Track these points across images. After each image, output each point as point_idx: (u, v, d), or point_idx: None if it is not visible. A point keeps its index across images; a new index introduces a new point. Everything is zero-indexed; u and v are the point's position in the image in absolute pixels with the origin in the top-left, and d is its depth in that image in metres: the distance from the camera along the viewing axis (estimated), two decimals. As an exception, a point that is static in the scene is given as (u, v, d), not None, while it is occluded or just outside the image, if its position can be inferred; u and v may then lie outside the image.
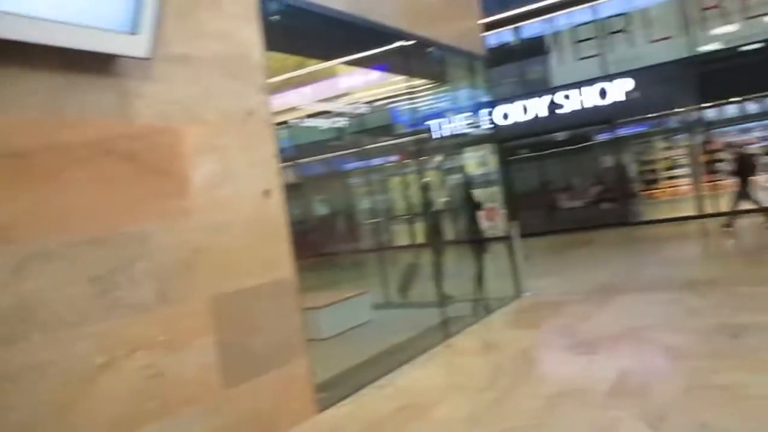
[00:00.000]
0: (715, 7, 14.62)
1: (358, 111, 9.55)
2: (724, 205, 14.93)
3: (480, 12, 8.67)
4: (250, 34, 4.59)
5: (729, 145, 13.35)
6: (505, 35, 17.77)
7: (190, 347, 3.85)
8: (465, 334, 6.90)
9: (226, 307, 4.11)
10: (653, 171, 16.66)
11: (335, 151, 13.06)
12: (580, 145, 16.75)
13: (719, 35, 14.83)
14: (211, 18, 4.28)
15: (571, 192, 17.19)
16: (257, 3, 4.65)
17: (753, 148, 14.67)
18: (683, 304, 6.80)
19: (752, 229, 12.05)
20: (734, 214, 12.26)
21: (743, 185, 12.10)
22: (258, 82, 4.60)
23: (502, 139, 17.32)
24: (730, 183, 12.61)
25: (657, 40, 15.30)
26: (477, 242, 8.08)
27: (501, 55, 17.96)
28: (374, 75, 9.76)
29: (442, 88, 9.78)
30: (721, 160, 15.76)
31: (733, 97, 15.18)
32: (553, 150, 17.22)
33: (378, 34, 6.52)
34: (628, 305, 7.18)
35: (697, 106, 15.06)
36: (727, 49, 14.73)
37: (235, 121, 4.37)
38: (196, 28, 4.16)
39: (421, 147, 9.95)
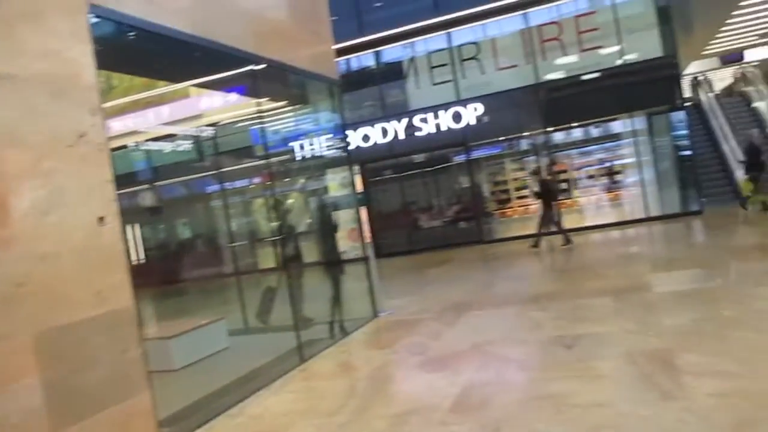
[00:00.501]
0: (554, 39, 15.79)
1: (206, 133, 9.27)
2: (569, 222, 16.11)
3: (332, 37, 8.77)
4: (81, 54, 4.34)
5: (534, 172, 14.42)
6: (365, 59, 18.17)
7: (12, 390, 3.55)
8: (321, 357, 6.89)
9: (53, 343, 3.83)
10: (505, 191, 17.62)
11: (194, 174, 12.62)
12: (438, 167, 17.39)
13: (560, 65, 16.02)
14: (36, 36, 4.01)
15: (430, 212, 17.77)
16: (88, 21, 4.43)
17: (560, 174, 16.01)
18: (526, 317, 7.21)
19: (559, 250, 13.08)
20: (540, 235, 13.49)
21: (547, 208, 13.30)
22: (90, 104, 4.35)
23: (364, 161, 17.72)
24: (536, 206, 13.93)
25: (504, 68, 16.27)
26: (333, 264, 8.10)
27: (361, 79, 18.36)
28: (233, 97, 9.57)
29: (301, 111, 9.79)
30: (565, 180, 16.99)
31: (575, 122, 16.40)
32: (413, 171, 17.74)
33: (226, 56, 6.42)
34: (477, 321, 7.49)
35: (543, 130, 16.14)
36: (568, 77, 15.94)
37: (63, 144, 4.10)
38: (17, 47, 3.88)
39: (282, 169, 9.91)
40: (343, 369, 6.34)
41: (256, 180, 11.80)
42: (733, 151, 18.55)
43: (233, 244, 10.93)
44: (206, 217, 13.39)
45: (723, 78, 30.19)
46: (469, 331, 6.99)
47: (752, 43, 27.35)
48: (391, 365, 6.25)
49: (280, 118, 9.49)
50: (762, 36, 25.75)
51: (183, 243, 14.31)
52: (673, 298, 6.94)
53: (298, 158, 9.88)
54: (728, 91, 27.37)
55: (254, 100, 7.73)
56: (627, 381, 4.57)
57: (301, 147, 9.80)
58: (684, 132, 15.72)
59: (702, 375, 4.41)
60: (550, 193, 13.39)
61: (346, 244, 9.59)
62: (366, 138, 17.42)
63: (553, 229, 13.45)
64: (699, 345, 5.12)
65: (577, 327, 6.32)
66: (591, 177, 16.84)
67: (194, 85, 8.31)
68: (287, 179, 10.44)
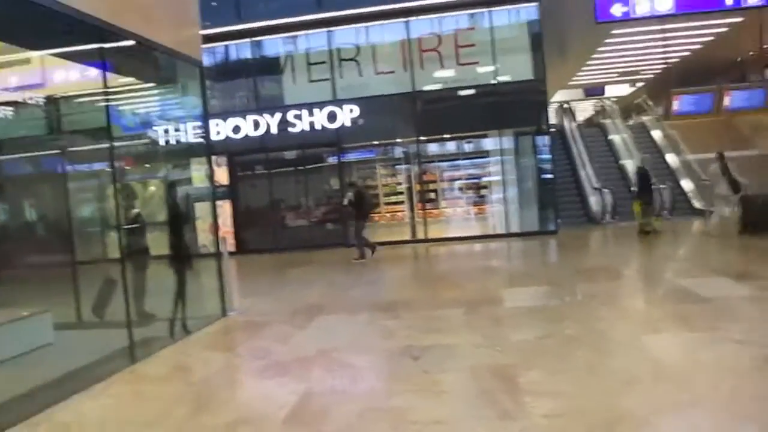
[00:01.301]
0: (433, 50, 15.97)
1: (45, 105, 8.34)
2: (434, 231, 16.34)
3: (198, 17, 8.22)
4: None
5: (350, 183, 14.67)
6: (243, 49, 17.47)
7: None
8: (156, 357, 6.35)
9: None
10: (374, 196, 17.56)
11: (31, 150, 11.36)
12: (309, 166, 17.02)
13: (437, 77, 16.20)
14: None
15: (298, 211, 17.35)
16: None
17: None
18: (378, 324, 7.04)
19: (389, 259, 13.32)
20: (365, 245, 13.54)
21: (360, 220, 13.57)
22: None
23: (232, 153, 17.02)
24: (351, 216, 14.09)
25: (382, 73, 16.24)
26: (179, 258, 7.50)
27: (237, 68, 17.65)
28: (84, 70, 8.68)
29: (158, 92, 9.09)
30: (433, 190, 17.21)
31: (447, 134, 16.66)
32: (283, 169, 17.27)
33: (75, 22, 5.75)
34: (329, 326, 7.24)
35: (416, 139, 16.26)
36: (444, 89, 16.16)
37: None
38: None
39: (133, 152, 9.14)
40: (177, 372, 5.83)
41: (103, 162, 10.81)
42: (589, 177, 19.68)
43: (72, 231, 9.93)
44: (44, 199, 12.16)
45: (585, 109, 32.20)
46: (318, 336, 6.71)
47: (613, 79, 29.43)
48: (230, 369, 5.84)
49: (133, 98, 8.75)
50: (621, 74, 27.76)
51: (17, 226, 12.89)
52: (522, 314, 7.03)
53: (152, 143, 9.14)
54: (589, 121, 29.18)
55: (106, 75, 7.03)
56: (468, 397, 4.47)
57: (156, 131, 9.08)
58: (547, 155, 16.42)
59: (541, 394, 4.39)
60: (364, 204, 13.64)
61: (206, 238, 9.06)
62: (236, 129, 16.73)
63: (354, 241, 13.72)
64: (541, 362, 5.15)
65: (428, 338, 6.22)
66: (458, 189, 17.18)
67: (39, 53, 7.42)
68: (139, 164, 9.65)
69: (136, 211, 8.12)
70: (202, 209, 9.12)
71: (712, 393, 4.24)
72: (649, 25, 17.36)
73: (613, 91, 35.68)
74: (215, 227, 8.77)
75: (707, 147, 17.68)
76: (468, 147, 17.07)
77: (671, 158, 21.42)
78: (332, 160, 16.79)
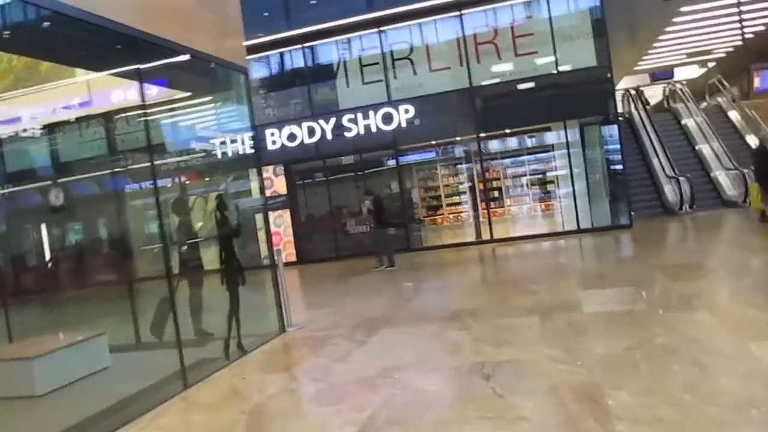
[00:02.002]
0: (489, 42, 15.31)
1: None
2: (499, 231, 15.65)
3: (240, 20, 7.89)
4: None
5: (368, 192, 13.91)
6: (295, 56, 17.25)
7: None
8: (209, 381, 5.99)
9: None
10: (436, 197, 17.02)
11: (95, 171, 11.36)
12: (367, 170, 16.62)
13: (495, 70, 15.53)
14: None
15: (358, 217, 16.95)
16: None
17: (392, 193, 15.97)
18: (445, 337, 6.50)
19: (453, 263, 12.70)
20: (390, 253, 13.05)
21: (381, 228, 13.24)
22: None
23: (289, 161, 16.79)
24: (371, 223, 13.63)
25: (437, 70, 15.68)
26: (232, 273, 7.14)
27: (290, 76, 17.45)
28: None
29: (202, 103, 8.82)
30: (497, 188, 16.54)
31: (508, 129, 15.96)
32: (341, 174, 16.92)
33: (107, 32, 5.47)
34: (391, 340, 6.74)
35: (476, 136, 15.63)
36: (502, 83, 15.48)
37: None
38: None
39: (179, 167, 8.91)
40: (229, 398, 5.43)
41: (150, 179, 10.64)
42: (662, 165, 18.56)
43: (129, 249, 9.79)
44: (100, 218, 12.13)
45: (653, 95, 30.67)
46: (381, 353, 6.21)
47: (681, 61, 27.89)
48: (285, 395, 5.40)
49: (177, 111, 8.50)
50: (690, 55, 26.24)
51: (74, 247, 12.93)
52: (603, 321, 6.35)
53: (198, 156, 8.88)
54: (658, 107, 27.71)
55: (148, 89, 6.77)
56: (551, 426, 3.87)
57: (204, 144, 8.81)
58: (616, 145, 15.49)
59: (636, 421, 3.74)
60: (383, 212, 13.23)
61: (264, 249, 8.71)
62: (292, 137, 16.51)
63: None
64: (631, 380, 4.49)
65: (499, 352, 5.64)
66: (523, 186, 16.43)
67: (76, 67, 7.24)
68: (187, 179, 9.42)
69: (190, 225, 7.89)
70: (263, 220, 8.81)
71: None
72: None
73: (682, 73, 34.00)
74: (270, 238, 8.41)
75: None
76: (531, 141, 16.30)
77: (752, 140, 20.04)
78: (391, 163, 16.30)
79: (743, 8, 16.24)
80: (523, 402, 4.31)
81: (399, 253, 15.39)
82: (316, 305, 9.89)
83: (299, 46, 16.93)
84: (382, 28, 16.05)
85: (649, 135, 20.16)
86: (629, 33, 20.60)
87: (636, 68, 27.90)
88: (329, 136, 16.22)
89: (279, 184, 16.95)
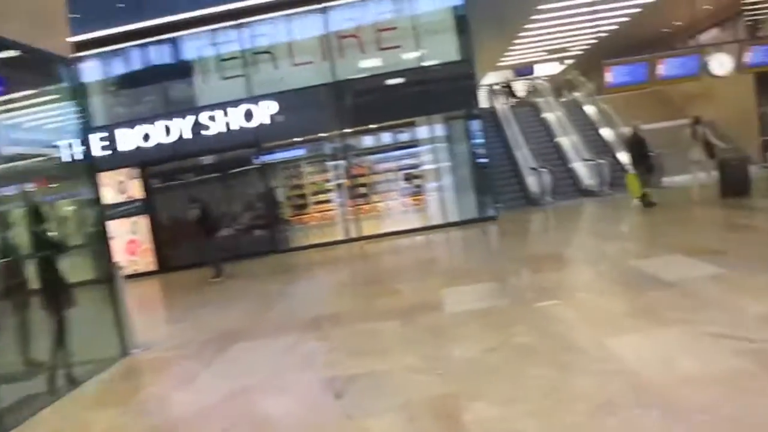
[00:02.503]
0: (352, 36, 14.96)
1: None
2: (368, 228, 15.35)
3: (66, 12, 6.97)
4: None
5: (193, 200, 13.20)
6: (147, 50, 16.00)
7: None
8: (31, 423, 5.13)
9: None
10: (302, 196, 16.43)
11: None
12: (229, 170, 15.71)
13: (359, 64, 15.19)
14: None
15: (222, 220, 16.02)
16: None
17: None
18: (300, 350, 6.00)
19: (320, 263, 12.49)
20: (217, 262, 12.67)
21: (209, 237, 12.76)
22: None
23: (144, 163, 15.59)
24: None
25: (300, 64, 15.11)
26: (55, 294, 6.22)
27: (142, 72, 16.21)
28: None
29: (35, 103, 7.74)
30: (364, 185, 16.22)
31: (374, 124, 15.68)
32: (203, 175, 15.90)
33: None
34: (244, 357, 6.14)
35: (341, 132, 15.22)
36: (367, 77, 15.17)
37: None
38: None
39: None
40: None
41: None
42: (525, 158, 19.08)
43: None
44: None
45: (516, 90, 31.76)
46: (229, 373, 5.62)
47: (542, 58, 29.07)
48: (112, 434, 4.69)
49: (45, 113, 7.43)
50: (550, 52, 27.38)
51: None
52: (465, 321, 6.09)
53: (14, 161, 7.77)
54: (521, 102, 28.70)
55: None
56: (401, 452, 3.49)
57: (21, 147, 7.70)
58: (480, 139, 15.65)
59: (492, 439, 3.44)
60: (209, 221, 12.77)
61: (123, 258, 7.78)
62: (147, 137, 15.33)
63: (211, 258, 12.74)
64: (490, 387, 4.22)
65: (355, 363, 5.22)
66: (390, 182, 16.20)
67: None
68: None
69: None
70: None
71: (710, 417, 3.37)
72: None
73: (543, 70, 35.52)
74: (108, 250, 7.50)
75: (642, 119, 17.31)
76: (397, 136, 16.10)
77: (606, 132, 21.11)
78: (253, 161, 15.50)
79: (596, 7, 16.90)
80: (374, 423, 3.91)
81: (266, 256, 14.81)
82: (168, 320, 9.12)
83: (154, 38, 15.73)
84: (242, 21, 15.23)
85: (512, 129, 20.73)
86: (493, 29, 21.01)
87: (500, 64, 28.71)
88: (187, 134, 15.20)
89: (134, 188, 15.72)
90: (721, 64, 13.74)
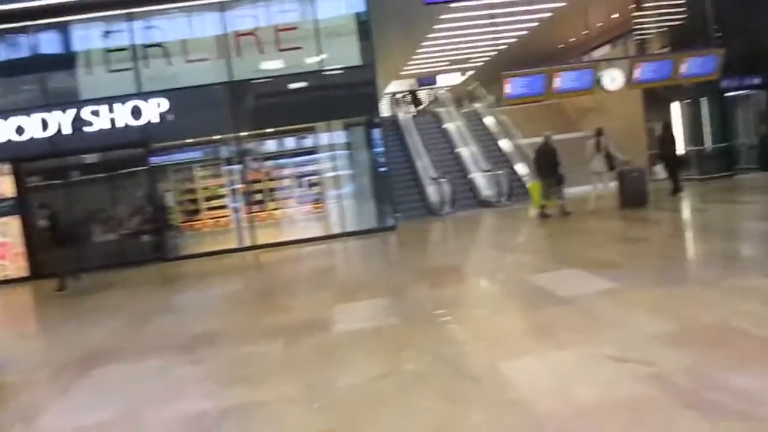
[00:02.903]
0: (250, 34, 14.29)
1: None
2: (264, 236, 14.69)
3: None
4: None
5: (41, 206, 12.79)
6: (26, 35, 14.59)
7: None
8: None
9: None
10: (194, 201, 15.57)
11: None
12: (115, 171, 14.60)
13: (258, 65, 14.49)
14: None
15: (106, 224, 14.86)
16: None
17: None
18: (171, 376, 5.37)
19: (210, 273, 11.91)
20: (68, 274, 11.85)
21: (57, 245, 12.09)
22: None
23: (18, 159, 14.23)
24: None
25: (194, 61, 14.28)
26: None
27: (19, 58, 14.85)
28: None
29: None
30: (261, 191, 15.55)
31: (271, 128, 15.07)
32: (85, 175, 14.72)
33: None
34: (103, 383, 5.42)
35: (236, 135, 14.49)
36: (265, 79, 14.53)
37: None
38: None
39: None
40: None
41: None
42: (425, 168, 19.01)
43: None
44: None
45: (422, 99, 31.91)
46: (82, 404, 4.91)
47: (445, 68, 29.32)
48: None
49: None
50: (452, 62, 27.64)
51: None
52: (355, 341, 5.65)
53: None
54: (423, 111, 28.85)
55: None
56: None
57: None
58: (380, 147, 15.36)
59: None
60: (57, 229, 12.18)
61: None
62: (20, 130, 14.01)
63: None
64: (374, 422, 3.79)
65: (230, 393, 4.67)
66: (288, 188, 15.62)
67: None
68: None
69: None
70: None
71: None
72: (477, 10, 16.90)
73: (445, 80, 35.97)
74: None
75: (537, 131, 17.63)
76: (296, 142, 15.56)
77: (505, 144, 21.43)
78: (140, 161, 14.45)
79: (496, 19, 17.04)
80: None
81: (153, 263, 13.87)
82: (28, 335, 8.15)
83: (33, 22, 14.39)
84: (133, 10, 14.20)
85: (414, 138, 20.64)
86: (396, 37, 20.90)
87: (403, 72, 28.70)
88: (67, 129, 14.02)
89: (5, 186, 14.33)
90: (612, 79, 14.11)
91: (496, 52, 24.49)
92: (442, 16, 18.33)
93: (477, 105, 24.90)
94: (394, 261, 11.30)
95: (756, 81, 17.29)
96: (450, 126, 22.44)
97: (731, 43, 15.15)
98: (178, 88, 14.08)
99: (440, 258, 10.51)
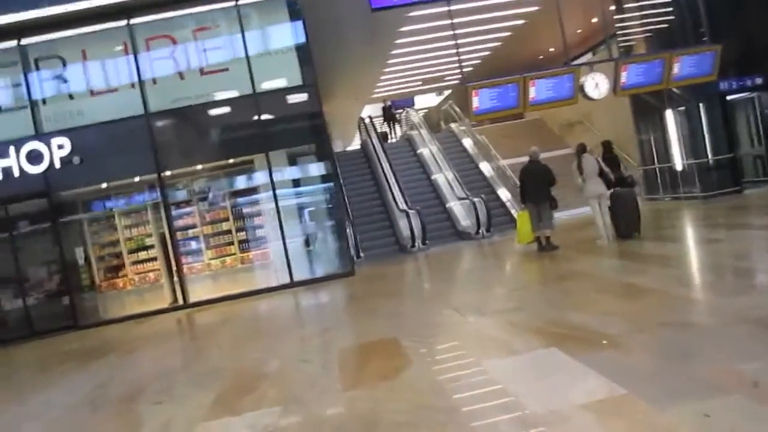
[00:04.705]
0: (170, 57, 12.05)
1: None
2: (198, 292, 12.43)
3: None
4: None
5: None
6: None
7: None
8: None
9: None
10: (116, 255, 13.23)
11: None
12: (12, 226, 12.16)
13: (178, 93, 12.18)
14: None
15: (6, 288, 12.44)
16: None
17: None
18: None
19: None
20: None
21: None
22: None
23: None
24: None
25: (101, 93, 12.09)
26: None
27: None
28: None
29: None
30: (195, 238, 13.29)
31: (200, 164, 12.87)
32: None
33: None
34: None
35: (158, 176, 12.17)
36: (188, 108, 12.21)
37: None
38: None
39: None
40: None
41: None
42: (396, 198, 16.84)
43: None
44: None
45: (397, 120, 29.83)
46: None
47: (418, 88, 27.28)
48: None
49: None
50: (425, 81, 25.56)
51: None
52: None
53: None
54: (397, 136, 26.80)
55: None
56: None
57: None
58: (333, 181, 13.09)
59: None
60: None
61: None
62: None
63: None
64: None
65: None
66: (226, 234, 13.31)
67: None
68: None
69: None
70: None
71: None
72: (438, 20, 14.81)
73: (422, 102, 34.01)
74: None
75: (518, 150, 15.52)
76: (234, 179, 13.34)
77: (486, 167, 19.35)
78: (45, 213, 12.08)
79: (459, 31, 14.94)
80: None
81: (61, 333, 11.55)
82: None
83: None
84: (23, 38, 12.07)
85: (385, 166, 18.48)
86: (361, 57, 18.91)
87: (375, 95, 26.64)
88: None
89: None
90: (596, 85, 11.99)
91: (471, 68, 22.48)
92: (402, 29, 16.27)
93: (453, 125, 22.83)
94: (325, 328, 8.41)
95: (759, 81, 15.16)
96: (424, 151, 20.31)
97: (723, 42, 13.04)
98: (84, 126, 11.87)
99: (382, 324, 7.63)
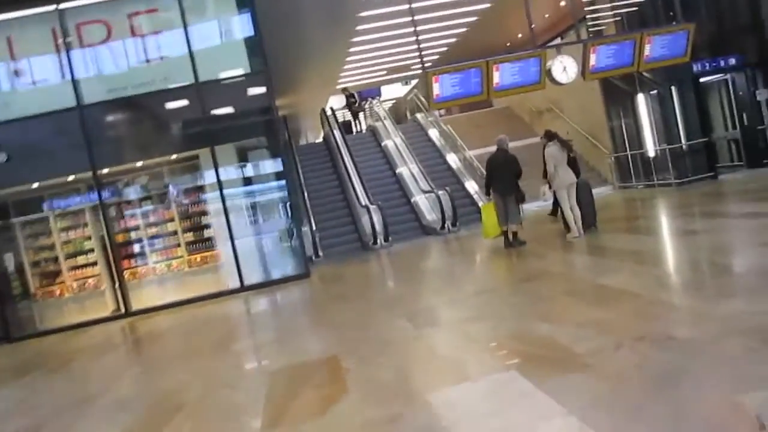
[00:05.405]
0: (103, 43, 11.06)
1: None
2: (141, 299, 11.51)
3: None
4: None
5: None
6: None
7: None
8: None
9: None
10: (52, 259, 12.18)
11: None
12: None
13: (113, 83, 11.14)
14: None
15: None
16: None
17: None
18: None
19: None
20: None
21: None
22: None
23: None
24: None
25: (28, 84, 11.04)
26: None
27: None
28: None
29: None
30: (139, 240, 12.31)
31: (140, 159, 11.90)
32: None
33: None
34: None
35: (94, 174, 11.18)
36: (127, 97, 11.13)
37: None
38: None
39: None
40: None
41: None
42: (358, 193, 16.01)
43: None
44: None
45: (361, 107, 28.89)
46: None
47: (384, 78, 26.38)
48: None
49: None
50: (390, 71, 24.66)
51: None
52: None
53: None
54: (361, 128, 25.96)
55: None
56: None
57: None
58: (286, 177, 12.22)
59: None
60: None
61: None
62: None
63: None
64: None
65: None
66: (172, 235, 12.33)
67: None
68: None
69: None
70: None
71: None
72: (396, 4, 13.93)
73: (390, 92, 33.11)
74: None
75: (487, 139, 14.76)
76: (177, 176, 12.36)
77: (452, 158, 18.59)
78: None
79: (421, 16, 14.10)
80: None
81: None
82: None
83: None
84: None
85: (348, 159, 17.61)
86: (322, 46, 17.97)
87: (338, 86, 25.69)
88: None
89: None
90: (564, 68, 11.21)
91: (437, 56, 21.67)
92: (362, 14, 15.38)
93: (419, 115, 22.02)
94: (264, 342, 7.52)
95: (732, 62, 14.57)
96: (389, 143, 19.48)
97: (695, 22, 12.38)
98: (10, 120, 10.84)
99: (327, 337, 6.78)
